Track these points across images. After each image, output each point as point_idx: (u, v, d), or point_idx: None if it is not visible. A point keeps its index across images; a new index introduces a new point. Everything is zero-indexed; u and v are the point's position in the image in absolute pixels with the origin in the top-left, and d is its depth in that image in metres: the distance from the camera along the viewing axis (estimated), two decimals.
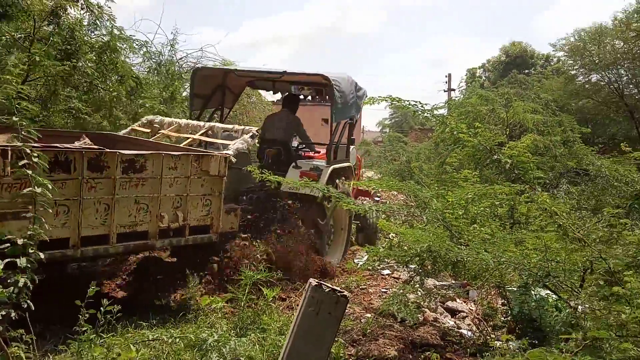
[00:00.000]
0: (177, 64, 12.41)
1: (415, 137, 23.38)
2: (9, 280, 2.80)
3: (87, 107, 7.49)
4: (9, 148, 3.50)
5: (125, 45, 8.43)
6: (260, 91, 13.55)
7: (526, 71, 28.80)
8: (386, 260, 5.15)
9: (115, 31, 7.98)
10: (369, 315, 4.98)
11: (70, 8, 7.47)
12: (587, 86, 18.93)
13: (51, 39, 6.96)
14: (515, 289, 4.82)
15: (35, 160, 3.21)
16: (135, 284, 5.32)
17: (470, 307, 5.60)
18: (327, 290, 2.29)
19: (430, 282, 5.75)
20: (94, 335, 3.18)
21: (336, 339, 3.56)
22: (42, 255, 2.91)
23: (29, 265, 2.84)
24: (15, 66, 5.11)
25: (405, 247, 5.22)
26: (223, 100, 7.71)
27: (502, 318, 5.01)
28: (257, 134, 5.95)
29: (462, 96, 24.31)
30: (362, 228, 8.12)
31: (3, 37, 6.74)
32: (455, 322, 5.13)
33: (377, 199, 11.63)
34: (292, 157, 6.89)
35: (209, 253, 5.24)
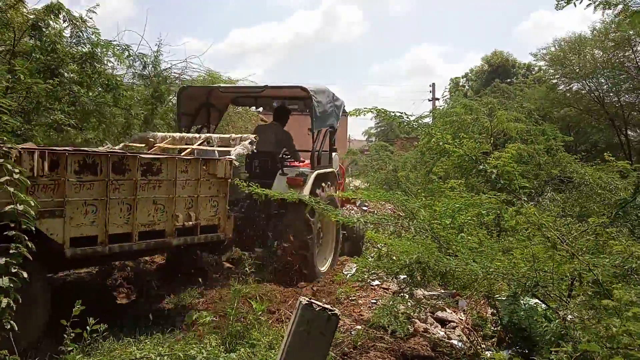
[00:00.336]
0: (161, 75, 12.33)
1: (401, 145, 23.46)
2: None
3: (70, 120, 7.38)
4: (47, 151, 3.91)
5: (108, 52, 8.33)
6: None
7: (508, 80, 29.19)
8: (375, 272, 5.13)
9: (99, 41, 7.91)
10: (359, 327, 4.95)
11: (52, 21, 7.39)
12: (568, 95, 19.24)
13: (33, 54, 6.85)
14: (504, 298, 4.83)
15: (17, 176, 3.12)
16: (126, 294, 5.28)
17: (460, 317, 5.60)
18: (318, 309, 2.25)
19: (419, 292, 5.75)
20: (80, 355, 3.10)
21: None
22: (25, 274, 2.83)
23: (11, 285, 2.76)
24: None
25: (394, 257, 5.22)
26: (209, 118, 7.99)
27: (492, 328, 5.02)
28: (255, 140, 6.20)
29: (446, 105, 24.54)
30: (348, 237, 8.17)
31: None
32: (445, 333, 5.12)
33: (364, 208, 11.65)
34: (277, 166, 7.11)
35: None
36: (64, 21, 7.48)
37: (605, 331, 2.86)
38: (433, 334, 4.99)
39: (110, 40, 8.49)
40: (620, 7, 4.63)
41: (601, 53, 18.00)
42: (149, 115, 9.07)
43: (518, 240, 4.77)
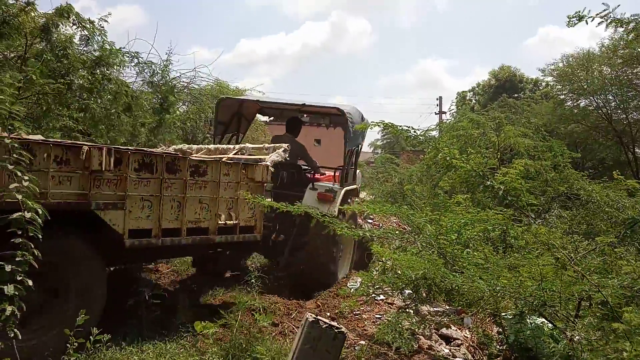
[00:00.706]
0: (170, 83, 12.39)
1: (407, 158, 23.44)
2: None
3: (78, 126, 7.41)
4: (113, 148, 4.32)
5: (117, 60, 8.38)
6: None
7: (515, 95, 29.17)
8: (380, 287, 5.09)
9: (107, 46, 7.96)
10: (363, 342, 4.90)
11: (62, 25, 7.44)
12: (575, 111, 19.18)
13: (44, 56, 6.90)
14: (510, 317, 4.78)
15: (27, 183, 3.13)
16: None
17: (465, 335, 5.54)
18: (325, 326, 2.23)
19: (424, 308, 5.70)
20: None
21: None
22: (30, 282, 2.83)
23: (16, 293, 2.75)
24: (10, 85, 5.04)
25: (399, 272, 5.18)
26: (239, 126, 8.40)
27: (498, 347, 4.96)
28: (287, 149, 6.54)
29: (453, 119, 24.51)
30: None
31: None
32: (450, 350, 5.06)
33: (369, 221, 11.61)
34: (303, 178, 7.50)
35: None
36: (74, 24, 7.53)
37: (614, 354, 2.81)
38: (438, 351, 4.94)
39: (120, 48, 8.55)
40: (632, 25, 4.62)
41: (609, 70, 17.97)
42: (157, 124, 9.09)
43: (525, 257, 4.73)
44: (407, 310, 5.14)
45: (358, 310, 5.98)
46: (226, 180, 5.44)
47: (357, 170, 8.38)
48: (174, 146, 7.57)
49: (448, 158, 6.47)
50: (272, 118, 9.60)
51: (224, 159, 6.01)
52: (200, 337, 4.57)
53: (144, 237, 4.64)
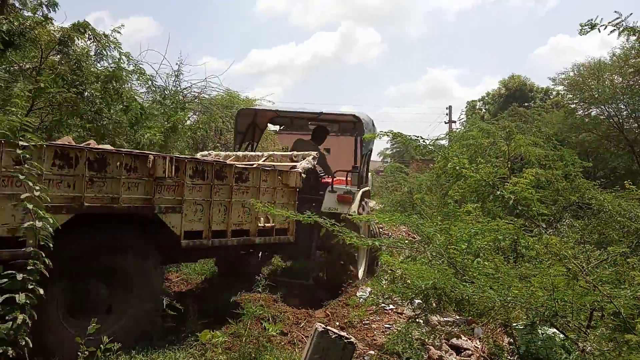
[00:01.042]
0: (181, 93, 12.52)
1: (416, 167, 23.37)
2: (7, 317, 2.74)
3: (90, 137, 7.50)
4: (175, 157, 4.79)
5: (132, 76, 8.50)
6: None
7: (525, 104, 29.04)
8: (390, 296, 5.06)
9: (123, 57, 8.06)
10: (372, 352, 4.87)
11: (77, 39, 7.56)
12: (587, 120, 19.03)
13: (58, 67, 7.01)
14: (521, 327, 4.73)
15: (37, 194, 3.17)
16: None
17: (476, 345, 5.48)
18: (334, 336, 2.22)
19: (434, 318, 5.65)
20: None
21: None
22: (41, 291, 2.85)
23: (27, 302, 2.77)
24: (20, 97, 5.12)
25: (409, 281, 5.15)
26: (254, 135, 8.79)
27: (509, 357, 4.90)
28: (317, 157, 7.01)
29: (463, 128, 24.44)
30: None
31: (11, 67, 6.79)
32: None
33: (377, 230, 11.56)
34: (318, 182, 7.81)
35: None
36: (89, 39, 7.65)
37: None
38: None
39: (136, 63, 8.67)
40: None
41: (621, 79, 17.84)
42: (163, 142, 9.17)
43: (536, 267, 4.69)
44: (417, 320, 5.10)
45: (367, 320, 5.95)
46: (265, 185, 5.89)
47: (369, 173, 8.88)
48: (200, 153, 7.94)
49: (457, 167, 6.46)
50: (282, 127, 9.80)
51: (260, 166, 6.38)
52: (210, 347, 4.57)
53: (197, 238, 5.10)
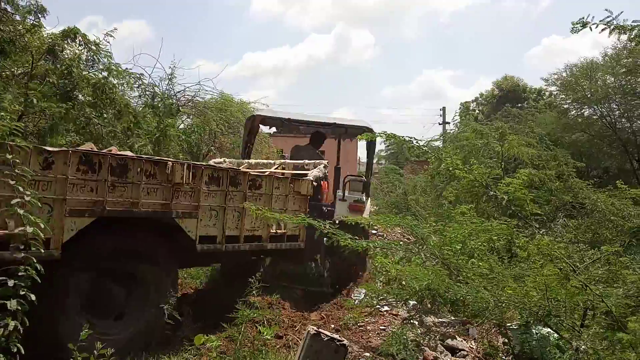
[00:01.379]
0: (174, 97, 12.48)
1: (411, 169, 23.42)
2: None
3: (83, 142, 7.47)
4: (192, 164, 4.94)
5: (122, 81, 8.46)
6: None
7: (519, 105, 29.14)
8: (385, 298, 5.06)
9: (112, 67, 8.04)
10: (367, 354, 4.87)
11: (67, 46, 7.53)
12: (579, 120, 19.15)
13: (47, 79, 6.97)
14: (516, 327, 4.74)
15: (28, 199, 3.15)
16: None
17: (471, 345, 5.49)
18: (326, 339, 2.22)
19: (429, 319, 5.66)
20: None
21: None
22: (33, 297, 2.84)
23: (19, 308, 2.75)
24: (11, 103, 5.11)
25: (404, 283, 5.15)
26: (250, 139, 8.91)
27: (504, 357, 4.91)
28: (328, 165, 7.16)
29: (456, 129, 24.51)
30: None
31: (3, 72, 6.76)
32: None
33: (373, 231, 11.58)
34: (318, 187, 7.75)
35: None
36: (80, 45, 7.63)
37: None
38: None
39: (126, 68, 8.64)
40: (635, 32, 4.63)
41: (613, 79, 17.97)
42: (155, 147, 9.14)
43: (530, 267, 4.71)
44: (412, 321, 5.11)
45: (362, 322, 5.95)
46: (277, 193, 6.02)
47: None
48: (214, 160, 8.00)
49: (451, 168, 6.48)
50: (273, 129, 9.81)
51: (273, 174, 6.50)
52: (204, 351, 4.55)
53: (211, 243, 5.21)
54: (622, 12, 4.44)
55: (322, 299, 7.02)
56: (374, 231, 11.39)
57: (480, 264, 4.87)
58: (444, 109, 33.62)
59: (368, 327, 5.85)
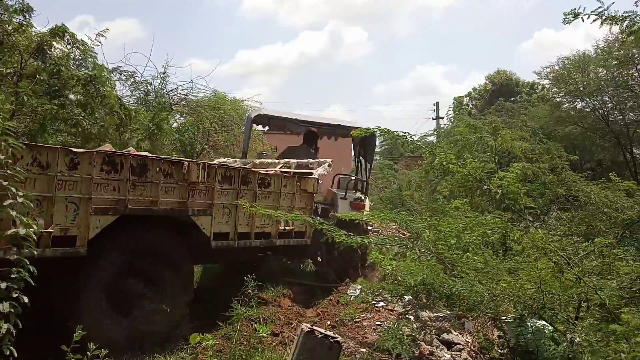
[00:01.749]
0: (166, 95, 12.42)
1: (405, 164, 23.45)
2: None
3: (75, 141, 7.42)
4: (207, 164, 5.19)
5: (112, 77, 8.41)
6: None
7: (512, 99, 29.20)
8: (380, 294, 5.06)
9: (98, 68, 7.98)
10: (363, 350, 4.88)
11: (56, 44, 7.47)
12: (572, 113, 19.21)
13: (37, 76, 6.91)
14: (511, 320, 4.75)
15: (21, 199, 3.13)
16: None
17: (467, 339, 5.51)
18: (320, 336, 2.22)
19: (425, 314, 5.67)
20: None
21: None
22: (26, 299, 2.82)
23: (12, 310, 2.73)
24: (3, 103, 5.07)
25: (399, 278, 5.16)
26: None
27: (499, 350, 4.93)
28: (332, 164, 7.33)
29: (450, 124, 24.54)
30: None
31: None
32: (451, 356, 5.03)
33: (369, 227, 11.59)
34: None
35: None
36: (68, 44, 7.56)
37: (614, 355, 2.80)
38: (439, 357, 4.91)
39: (117, 67, 8.58)
40: (626, 22, 4.64)
41: (605, 71, 18.03)
42: (150, 142, 9.10)
43: (524, 261, 4.72)
44: (408, 316, 5.12)
45: (358, 318, 5.95)
46: (285, 191, 6.23)
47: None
48: (218, 160, 8.11)
49: (444, 163, 6.48)
50: (267, 128, 9.76)
51: (281, 173, 6.71)
52: (200, 350, 4.54)
53: (224, 239, 5.43)
54: (613, 3, 4.46)
55: (321, 295, 7.05)
56: (369, 227, 11.40)
57: (475, 258, 4.88)
58: (437, 104, 33.65)
59: (364, 323, 5.86)
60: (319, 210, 7.53)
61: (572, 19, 4.61)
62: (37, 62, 7.24)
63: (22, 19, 7.00)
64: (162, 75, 12.06)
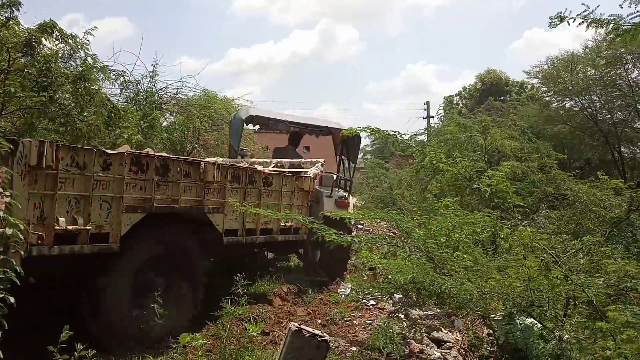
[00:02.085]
0: (156, 94, 12.35)
1: (396, 163, 23.47)
2: None
3: (64, 139, 7.35)
4: (220, 164, 5.51)
5: (101, 75, 8.34)
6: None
7: (502, 98, 29.37)
8: (371, 292, 5.07)
9: (90, 60, 7.91)
10: (354, 348, 4.88)
11: (45, 40, 7.39)
12: (561, 112, 19.35)
13: (26, 70, 6.84)
14: (500, 318, 4.78)
15: (7, 199, 3.09)
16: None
17: (456, 337, 5.54)
18: (308, 335, 2.21)
19: (415, 312, 5.69)
20: None
21: None
22: (12, 300, 2.78)
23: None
24: None
25: (390, 276, 5.17)
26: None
27: (489, 348, 4.96)
28: (324, 164, 7.62)
29: (440, 123, 24.62)
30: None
31: None
32: (441, 354, 5.05)
33: (359, 226, 11.60)
34: None
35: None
36: (57, 40, 7.49)
37: (601, 352, 2.82)
38: (429, 355, 4.92)
39: (106, 65, 8.50)
40: (611, 25, 4.67)
41: (593, 71, 18.17)
42: (143, 141, 9.05)
43: (513, 259, 4.75)
44: (398, 314, 5.13)
45: (349, 317, 5.96)
46: (285, 189, 6.54)
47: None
48: (208, 159, 8.06)
49: (434, 162, 6.51)
50: (257, 127, 9.84)
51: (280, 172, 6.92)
52: (190, 349, 4.52)
53: (234, 235, 5.71)
54: (598, 6, 4.48)
55: (312, 293, 7.05)
56: (360, 226, 11.42)
57: (465, 256, 4.90)
58: (428, 103, 33.83)
59: (354, 322, 5.87)
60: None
61: (558, 22, 4.63)
62: (26, 58, 7.16)
63: (10, 14, 6.91)
64: (151, 73, 12.00)
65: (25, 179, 3.67)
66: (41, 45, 7.45)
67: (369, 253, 5.38)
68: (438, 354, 5.04)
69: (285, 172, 7.04)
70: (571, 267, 3.94)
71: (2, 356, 2.66)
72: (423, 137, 18.81)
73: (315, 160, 7.77)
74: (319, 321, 5.77)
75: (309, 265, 7.96)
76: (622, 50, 16.22)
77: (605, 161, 18.55)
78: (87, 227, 4.08)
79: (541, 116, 19.06)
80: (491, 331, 4.84)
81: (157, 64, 12.27)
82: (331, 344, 4.08)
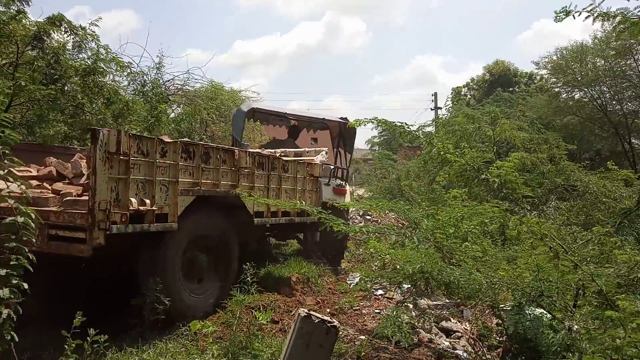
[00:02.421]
0: (163, 86, 12.37)
1: (404, 154, 23.41)
2: None
3: (73, 131, 7.40)
4: (250, 151, 6.20)
5: (111, 66, 8.36)
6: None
7: (510, 89, 29.17)
8: (379, 282, 5.08)
9: (102, 50, 7.93)
10: (363, 337, 4.91)
11: (54, 32, 7.42)
12: (570, 103, 19.20)
13: (35, 63, 6.87)
14: (509, 308, 4.77)
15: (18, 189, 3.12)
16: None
17: (465, 327, 5.55)
18: (317, 320, 2.22)
19: (423, 302, 5.70)
20: None
21: None
22: (25, 286, 2.82)
23: (12, 296, 2.74)
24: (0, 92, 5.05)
25: (398, 266, 5.17)
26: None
27: (498, 338, 4.96)
28: (327, 153, 8.26)
29: (448, 114, 24.50)
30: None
31: None
32: (450, 343, 5.07)
33: (367, 217, 11.62)
34: None
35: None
36: (65, 32, 7.51)
37: (611, 342, 2.81)
38: (438, 344, 4.94)
39: (114, 55, 8.52)
40: (618, 18, 4.61)
41: (603, 62, 17.99)
42: (150, 128, 9.08)
43: (522, 249, 4.73)
44: (406, 304, 5.14)
45: (358, 306, 5.99)
46: (299, 175, 7.13)
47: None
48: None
49: (442, 153, 6.49)
50: (257, 122, 10.30)
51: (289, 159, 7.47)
52: (201, 336, 4.57)
53: (261, 217, 6.23)
54: (604, 0, 4.42)
55: (320, 283, 7.09)
56: (368, 216, 11.43)
57: (474, 247, 4.89)
58: (435, 94, 33.58)
59: (363, 311, 5.89)
60: None
61: (563, 16, 4.58)
62: (35, 51, 7.19)
63: (19, 5, 6.94)
64: (157, 65, 12.01)
65: (106, 164, 4.12)
66: (50, 38, 7.47)
67: (377, 243, 5.39)
68: (447, 343, 5.06)
69: (299, 160, 7.55)
70: (581, 257, 3.92)
71: (17, 339, 2.70)
72: (431, 129, 18.75)
73: (319, 149, 8.27)
74: (328, 310, 5.81)
75: (310, 249, 8.34)
76: (631, 41, 16.03)
77: (616, 152, 18.40)
78: (153, 208, 4.58)
79: (550, 107, 18.92)
80: (500, 321, 4.83)
81: (163, 56, 12.32)
82: (340, 332, 4.11)
